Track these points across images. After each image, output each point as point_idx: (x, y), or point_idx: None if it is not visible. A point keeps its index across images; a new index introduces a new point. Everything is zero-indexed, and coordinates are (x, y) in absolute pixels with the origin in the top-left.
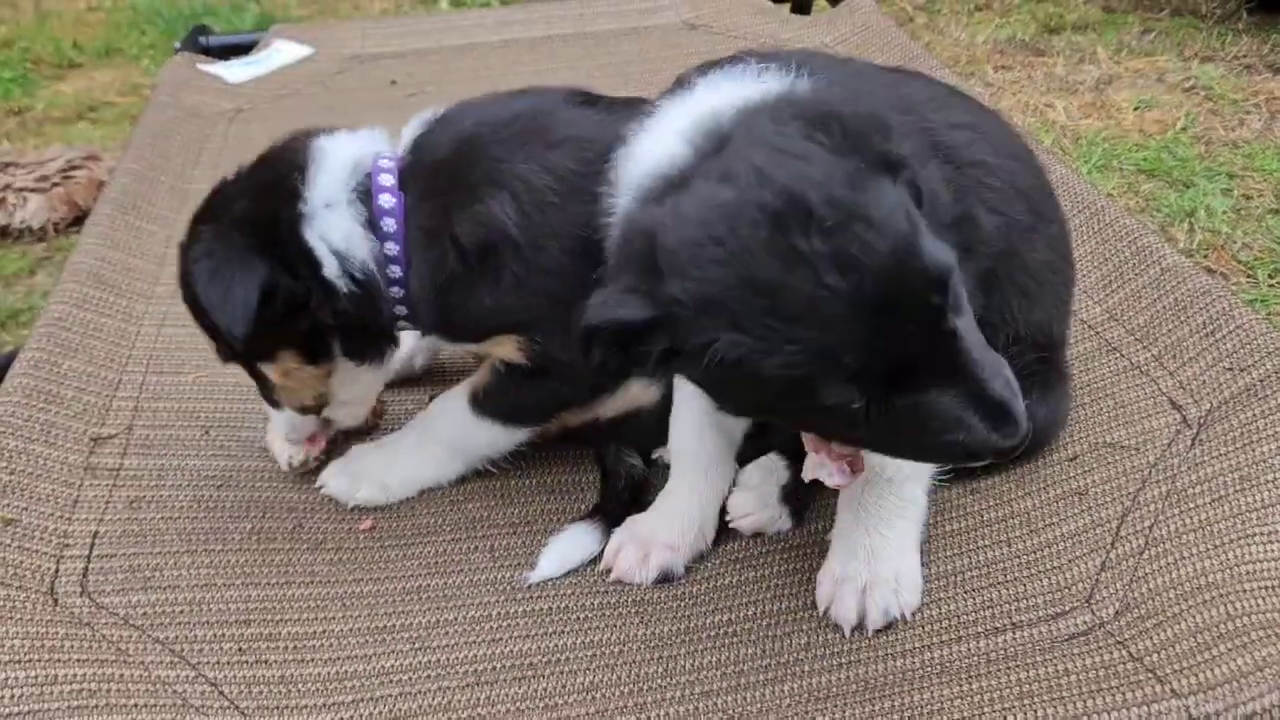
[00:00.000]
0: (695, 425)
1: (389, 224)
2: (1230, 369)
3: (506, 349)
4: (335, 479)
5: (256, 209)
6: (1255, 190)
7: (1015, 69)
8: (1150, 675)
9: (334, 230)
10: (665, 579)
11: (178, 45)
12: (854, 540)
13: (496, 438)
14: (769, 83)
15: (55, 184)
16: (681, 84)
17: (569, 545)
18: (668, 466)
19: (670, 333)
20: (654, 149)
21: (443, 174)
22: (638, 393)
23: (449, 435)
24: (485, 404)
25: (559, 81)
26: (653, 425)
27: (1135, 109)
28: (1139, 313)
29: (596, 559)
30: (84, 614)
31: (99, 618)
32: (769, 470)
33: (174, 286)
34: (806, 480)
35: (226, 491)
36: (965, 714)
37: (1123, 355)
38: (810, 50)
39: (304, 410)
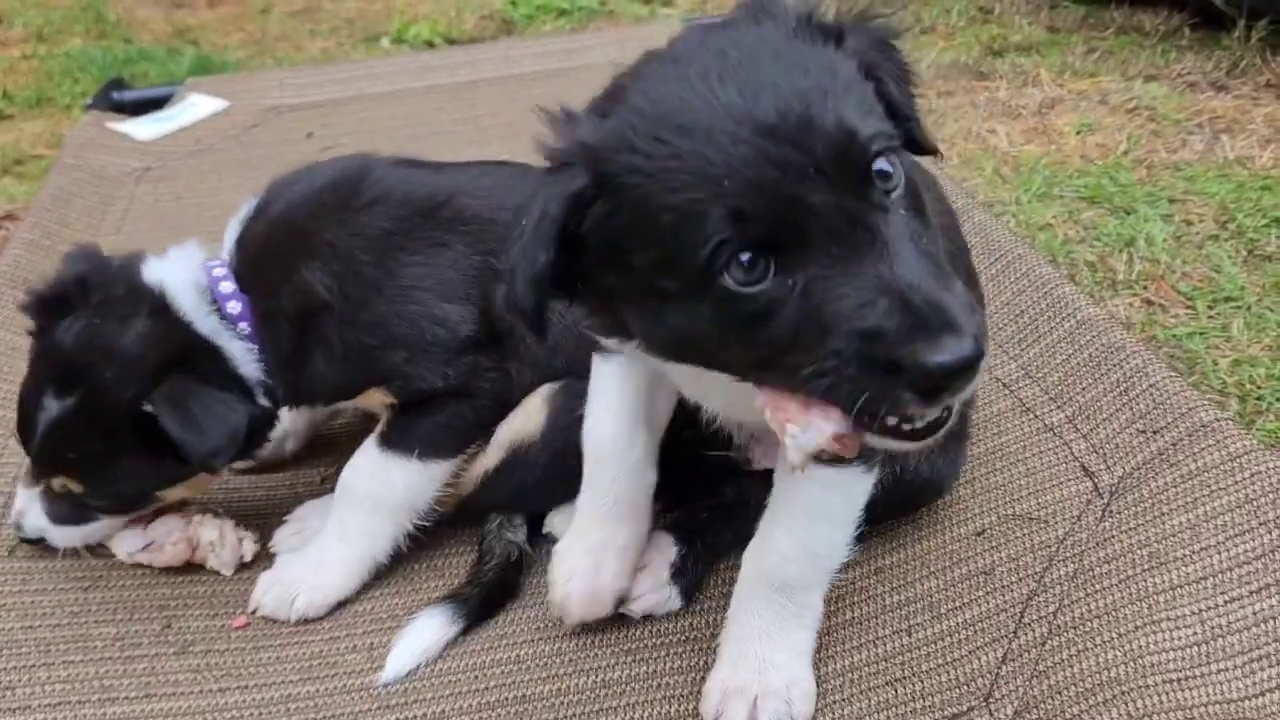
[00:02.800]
0: (621, 422)
1: (244, 327)
2: (1143, 431)
3: (375, 398)
4: (267, 596)
5: (172, 349)
6: (1196, 215)
7: (958, 94)
8: None
9: (231, 352)
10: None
11: (88, 102)
12: (745, 647)
13: (412, 479)
14: None
15: None
16: None
17: (417, 636)
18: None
19: (598, 188)
20: None
21: (261, 258)
22: (521, 423)
23: (366, 490)
24: (393, 440)
25: (484, 126)
26: (537, 477)
27: (1078, 133)
28: (1053, 369)
29: (477, 643)
30: None
31: None
32: (658, 548)
33: None
34: (795, 465)
35: (94, 592)
36: None
37: (1036, 416)
38: None
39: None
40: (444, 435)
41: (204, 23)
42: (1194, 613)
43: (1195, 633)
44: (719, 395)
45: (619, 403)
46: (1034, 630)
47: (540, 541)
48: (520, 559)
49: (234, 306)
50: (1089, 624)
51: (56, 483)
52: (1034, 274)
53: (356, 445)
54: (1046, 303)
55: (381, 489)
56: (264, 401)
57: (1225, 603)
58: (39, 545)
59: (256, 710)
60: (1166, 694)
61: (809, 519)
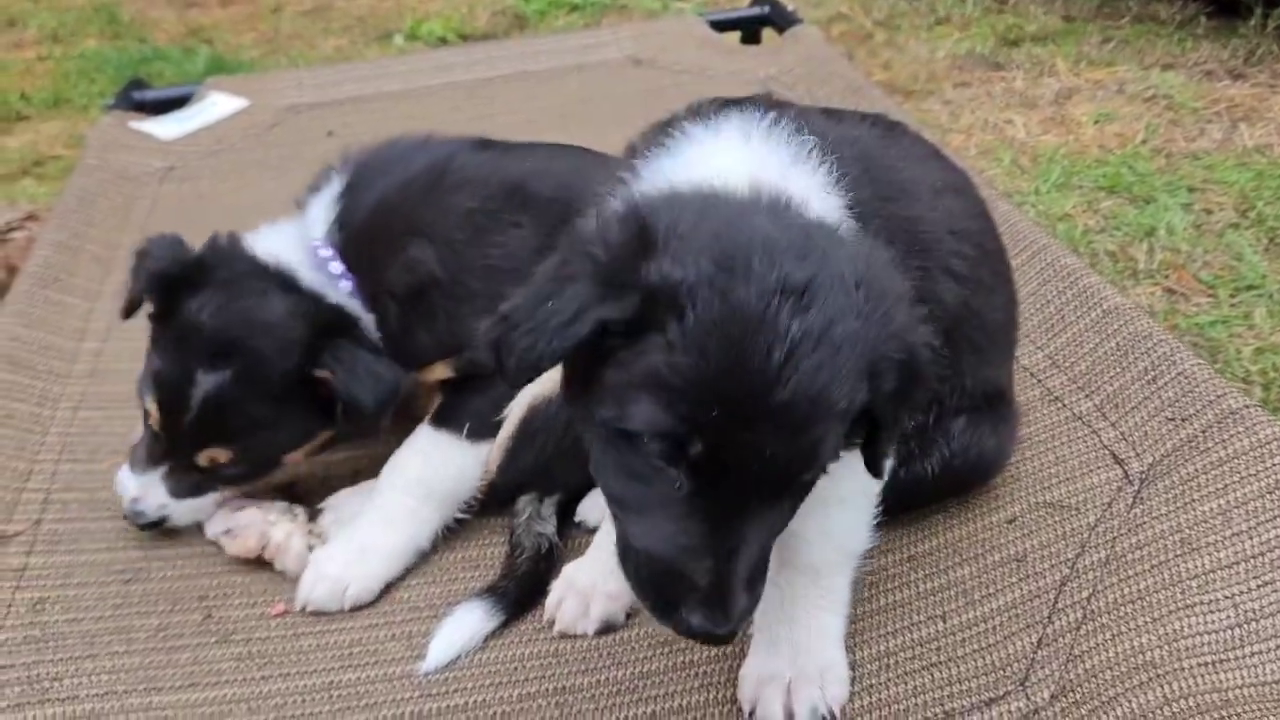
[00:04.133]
0: None
1: (346, 286)
2: (1172, 419)
3: (439, 371)
4: (316, 590)
5: (312, 315)
6: (1216, 204)
7: (974, 85)
8: None
9: (357, 311)
10: (608, 629)
11: (109, 102)
12: (776, 634)
13: (462, 460)
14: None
15: None
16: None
17: (457, 628)
18: (590, 530)
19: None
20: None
21: (367, 240)
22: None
23: (418, 474)
24: (446, 419)
25: (500, 124)
26: (558, 437)
27: (1095, 122)
28: (1081, 358)
29: (516, 635)
30: None
31: None
32: None
33: (92, 365)
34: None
35: (135, 585)
36: None
37: (1064, 405)
38: (805, 109)
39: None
40: (491, 413)
41: (217, 22)
42: (1227, 597)
43: (1229, 617)
44: None
45: None
46: (1068, 616)
47: (570, 532)
48: (551, 550)
49: (345, 285)
50: (1123, 609)
51: (203, 456)
52: (1059, 264)
53: (385, 438)
54: (1072, 292)
55: (432, 472)
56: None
57: (1258, 587)
58: (156, 528)
59: (299, 697)
60: (1202, 676)
61: (826, 504)
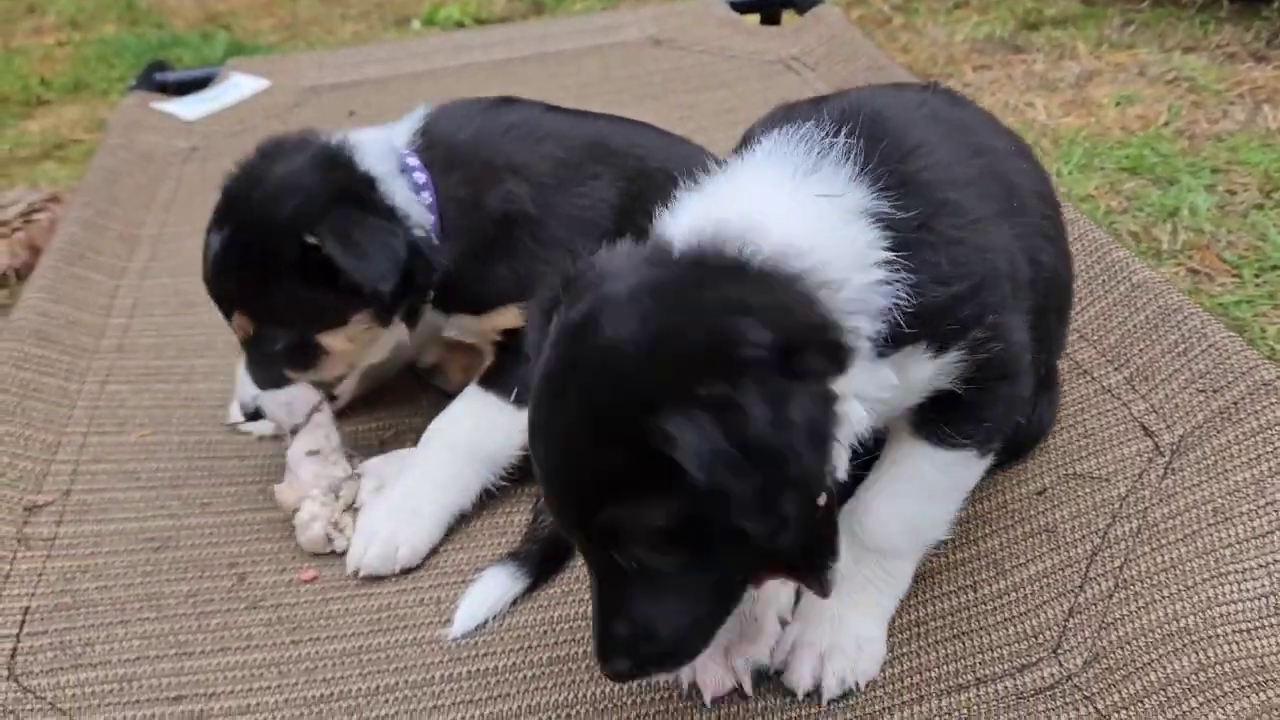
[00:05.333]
0: None
1: (426, 197)
2: (1203, 390)
3: (508, 317)
4: (369, 555)
5: (335, 182)
6: (1240, 185)
7: (994, 68)
8: None
9: (399, 196)
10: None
11: (132, 83)
12: (825, 604)
13: (509, 424)
14: (809, 184)
15: (16, 229)
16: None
17: (483, 593)
18: None
19: None
20: (674, 221)
21: (463, 156)
22: None
23: (466, 436)
24: (495, 382)
25: None
26: None
27: (1117, 105)
28: (1109, 332)
29: (545, 599)
30: (8, 700)
31: (24, 704)
32: None
33: (119, 340)
34: None
35: (165, 553)
36: None
37: (1094, 378)
38: (891, 95)
39: (321, 385)
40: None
41: (234, 8)
42: (1261, 565)
43: (1263, 585)
44: None
45: None
46: (1100, 584)
47: None
48: None
49: (419, 176)
50: (1156, 577)
51: (236, 323)
52: (1087, 238)
53: (413, 408)
54: (1101, 267)
55: (481, 435)
56: (424, 252)
57: None
58: (259, 419)
59: (330, 661)
60: (1237, 643)
61: (916, 494)
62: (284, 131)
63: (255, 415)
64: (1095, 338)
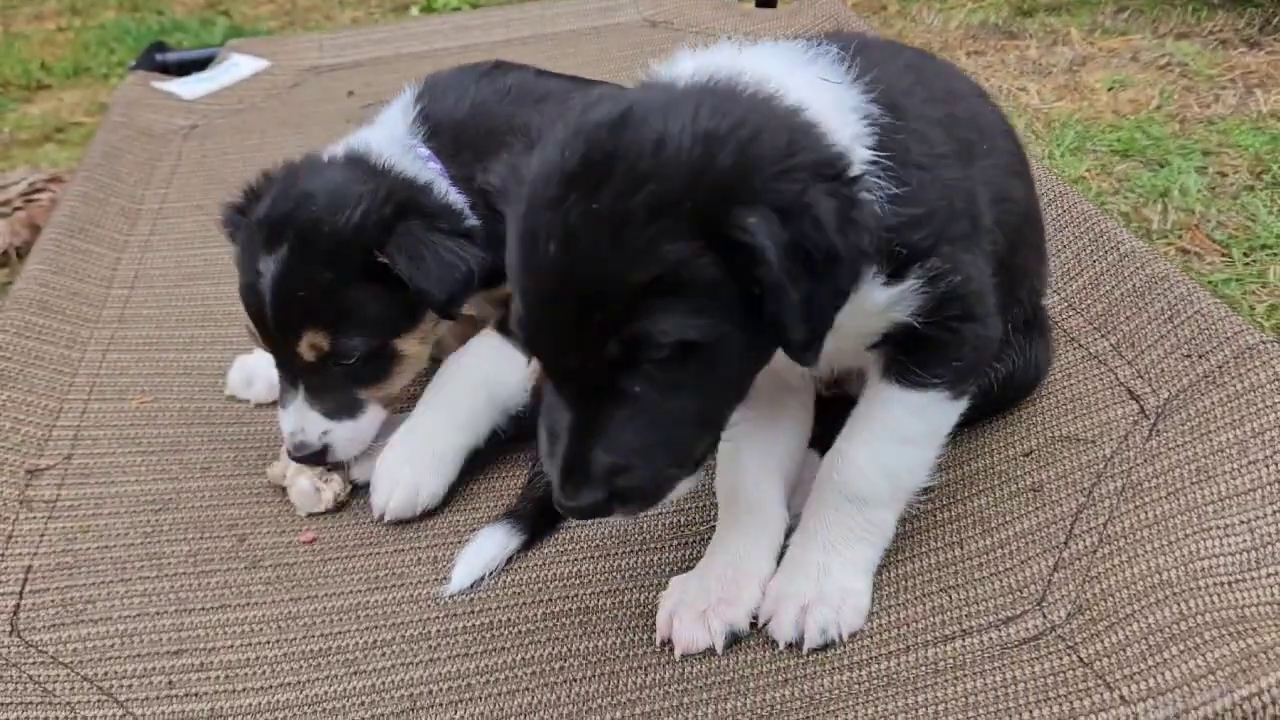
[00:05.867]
0: (753, 469)
1: (444, 187)
2: (1189, 355)
3: None
4: (392, 500)
5: (391, 193)
6: (1230, 167)
7: (988, 53)
8: (1100, 681)
9: (451, 194)
10: (733, 639)
11: (133, 63)
12: (809, 555)
13: (519, 368)
14: (806, 67)
15: (17, 208)
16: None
17: (479, 550)
18: None
19: None
20: (673, 68)
21: (467, 131)
22: None
23: (482, 377)
24: (508, 327)
25: None
26: None
27: (1109, 89)
28: (1097, 300)
29: (539, 558)
30: (11, 654)
31: (27, 657)
32: None
33: (120, 310)
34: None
35: (165, 515)
36: None
37: (1081, 345)
38: (872, 39)
39: (389, 403)
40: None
41: None
42: (1243, 522)
43: (1245, 540)
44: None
45: (752, 456)
46: (1084, 540)
47: None
48: None
49: (434, 166)
50: (1139, 533)
51: (306, 344)
52: (1075, 210)
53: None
54: (1089, 238)
55: (496, 376)
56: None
57: (1274, 513)
58: (321, 463)
59: (328, 618)
60: (1218, 595)
61: (892, 439)
62: (282, 112)
63: (319, 456)
64: (1083, 306)
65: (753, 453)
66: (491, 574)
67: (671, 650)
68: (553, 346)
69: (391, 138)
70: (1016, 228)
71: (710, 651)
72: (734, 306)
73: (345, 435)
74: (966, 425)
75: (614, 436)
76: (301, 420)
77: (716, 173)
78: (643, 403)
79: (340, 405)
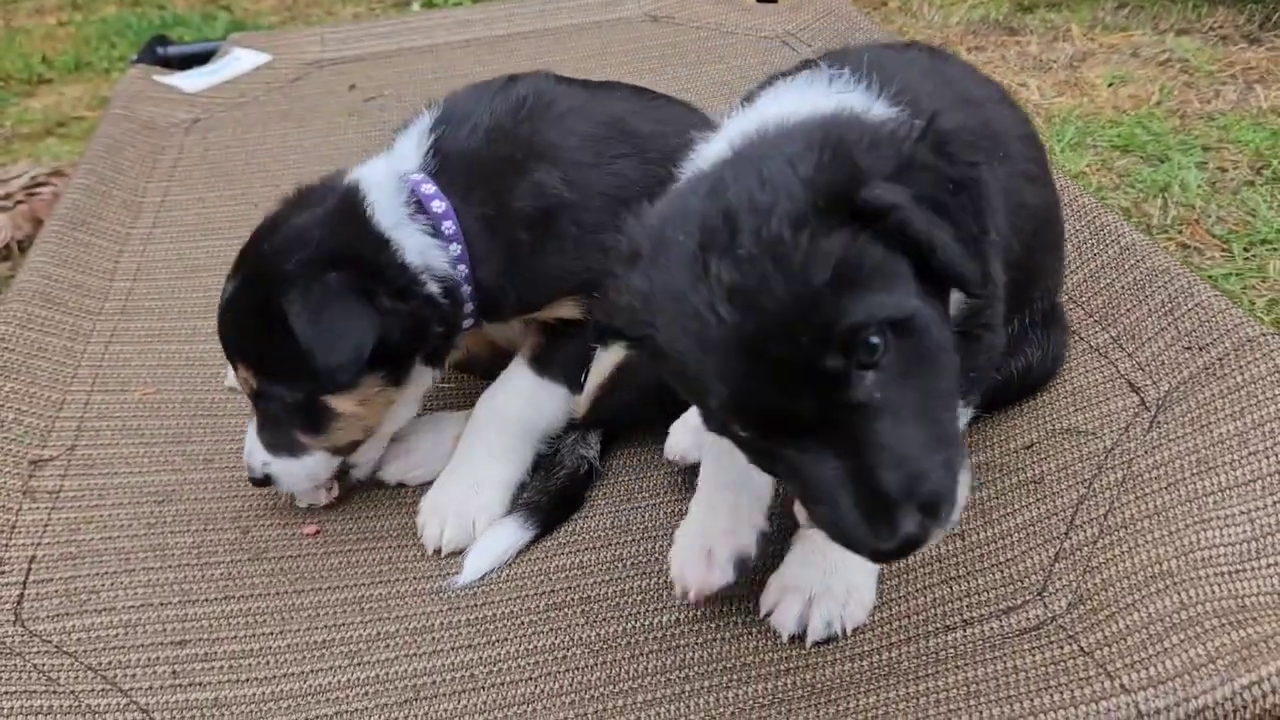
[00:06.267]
0: None
1: (449, 227)
2: (1189, 348)
3: (566, 309)
4: (447, 531)
5: (339, 242)
6: (1230, 162)
7: (989, 49)
8: (1100, 670)
9: (412, 248)
10: (743, 568)
11: (134, 57)
12: (813, 549)
13: (558, 404)
14: (831, 95)
15: (19, 201)
16: (749, 97)
17: (492, 541)
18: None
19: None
20: (707, 154)
21: (481, 164)
22: None
23: (519, 414)
24: (547, 365)
25: None
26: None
27: (1109, 85)
28: (1097, 294)
29: (542, 550)
30: (15, 643)
31: (31, 646)
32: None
33: (123, 303)
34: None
35: (168, 506)
36: (910, 717)
37: (1081, 338)
38: (880, 49)
39: (337, 452)
40: (584, 364)
41: None
42: (1243, 512)
43: (1245, 530)
44: None
45: None
46: (1085, 531)
47: (613, 454)
48: (590, 472)
49: (438, 205)
50: (1140, 524)
51: (241, 376)
52: (1076, 204)
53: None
54: (1090, 230)
55: (532, 413)
56: (443, 302)
57: (1274, 504)
58: (267, 486)
59: (331, 610)
60: (1218, 585)
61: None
62: (284, 105)
63: (264, 482)
64: (1083, 299)
65: None
66: (501, 565)
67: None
68: (774, 398)
69: (394, 177)
70: (1033, 232)
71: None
72: (910, 278)
73: (287, 470)
74: (978, 418)
75: (889, 451)
76: (250, 445)
77: (825, 172)
78: (888, 406)
79: (281, 442)
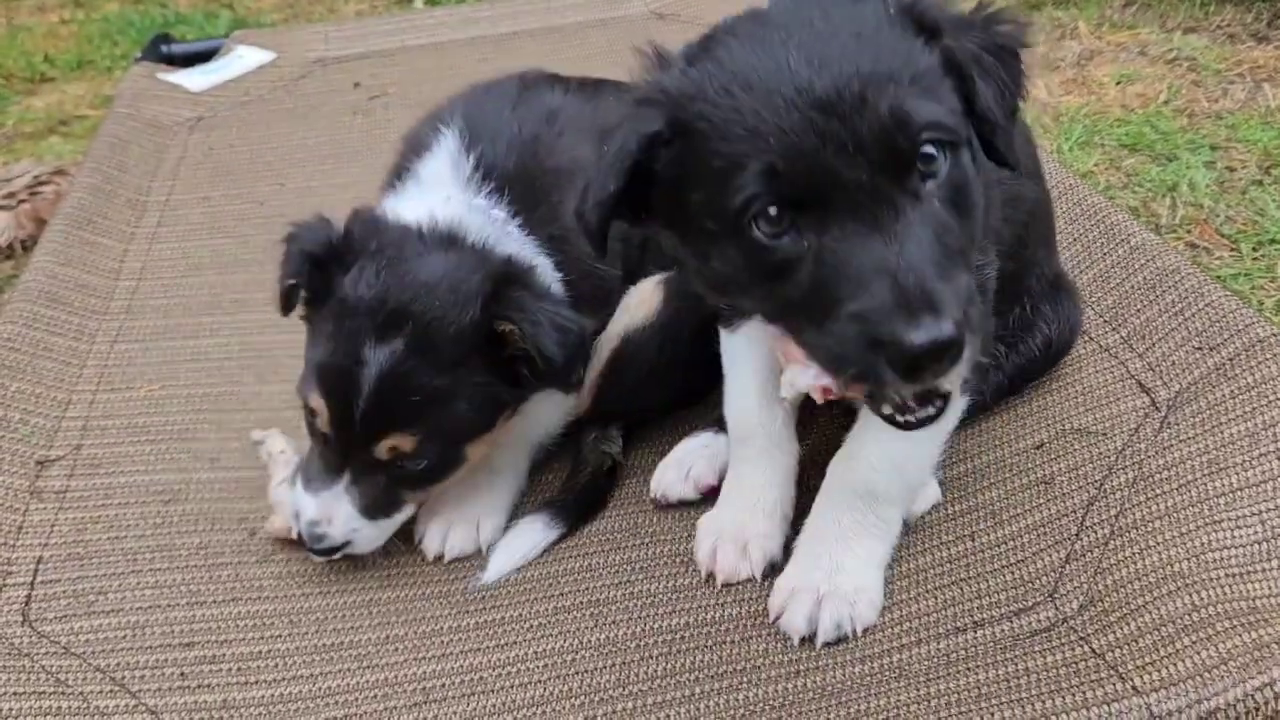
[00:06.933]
0: (757, 398)
1: (529, 251)
2: (1200, 348)
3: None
4: (451, 540)
5: (500, 275)
6: (1239, 161)
7: None
8: (1112, 672)
9: (544, 270)
10: (773, 569)
11: (138, 55)
12: (820, 550)
13: (556, 411)
14: None
15: (21, 200)
16: None
17: (518, 540)
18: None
19: (671, 131)
20: None
21: (530, 182)
22: (635, 310)
23: (517, 430)
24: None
25: None
26: (650, 366)
27: (1117, 83)
28: (1108, 293)
29: (551, 553)
30: (24, 644)
31: (39, 647)
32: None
33: (128, 301)
34: (786, 397)
35: (175, 506)
36: (922, 719)
37: (1091, 338)
38: None
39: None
40: (579, 366)
41: None
42: (1254, 514)
43: (1256, 532)
44: None
45: (754, 380)
46: (1096, 532)
47: (636, 450)
48: (614, 469)
49: (513, 230)
50: (1150, 525)
51: (385, 445)
52: (1085, 203)
53: None
54: (1099, 230)
55: (529, 426)
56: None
57: None
58: (328, 556)
59: (340, 613)
60: (1230, 586)
61: (900, 437)
62: (288, 103)
63: (333, 550)
64: (1094, 299)
65: (762, 386)
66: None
67: (713, 582)
68: (833, 163)
69: (455, 202)
70: (1024, 224)
71: (596, 587)
72: (961, 113)
73: (372, 535)
74: (1005, 401)
75: (935, 257)
76: (330, 511)
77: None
78: (938, 219)
79: (381, 503)
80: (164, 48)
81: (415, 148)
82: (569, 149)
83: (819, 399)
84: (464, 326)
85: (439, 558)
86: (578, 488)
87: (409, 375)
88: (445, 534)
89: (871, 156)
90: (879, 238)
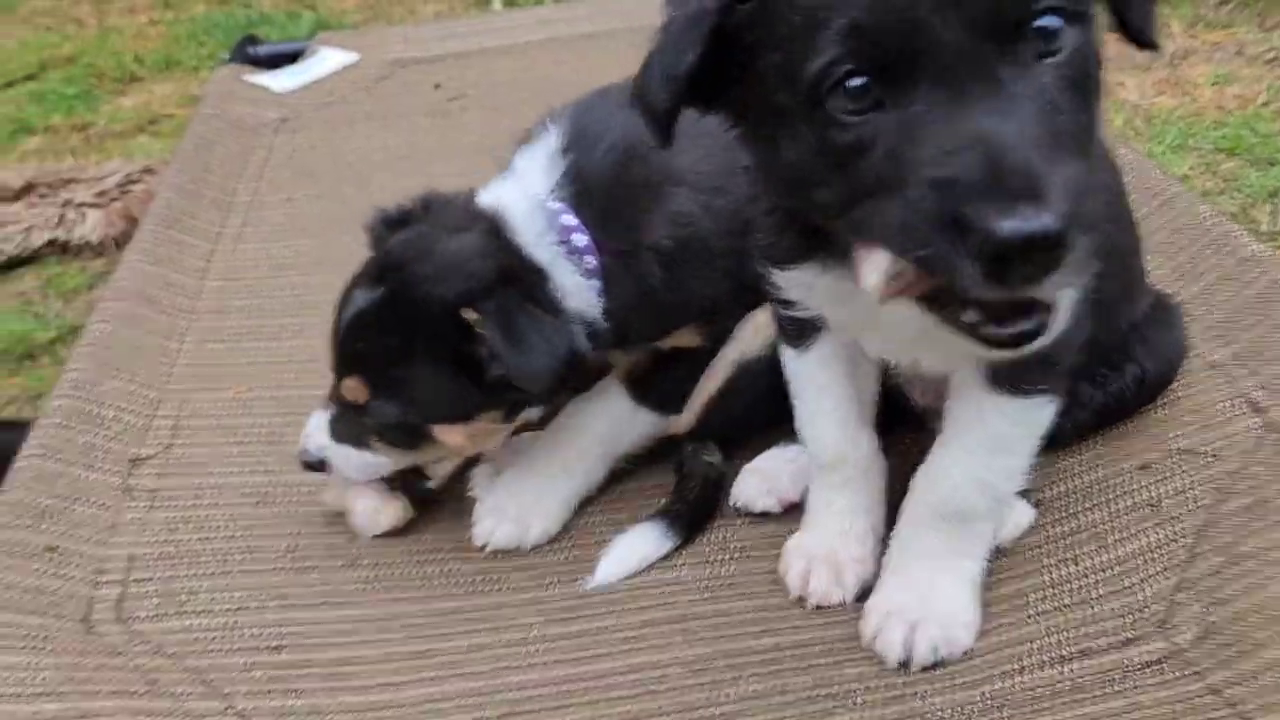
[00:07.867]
0: (838, 427)
1: (589, 262)
2: None
3: (685, 337)
4: (498, 533)
5: (505, 269)
6: None
7: None
8: (1231, 711)
9: (569, 289)
10: (865, 594)
11: (225, 56)
12: (911, 572)
13: (648, 429)
14: None
15: (113, 199)
16: None
17: (631, 546)
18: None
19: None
20: None
21: (617, 192)
22: (750, 339)
23: (607, 434)
24: (645, 388)
25: (605, 78)
26: (760, 394)
27: (1213, 84)
28: (1216, 307)
29: (662, 565)
30: (118, 642)
31: (132, 645)
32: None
33: (217, 301)
34: (868, 287)
35: (264, 508)
36: None
37: (1199, 354)
38: None
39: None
40: (686, 387)
41: None
42: None
43: None
44: (894, 340)
45: (831, 405)
46: (1210, 560)
47: (737, 460)
48: (720, 478)
49: (579, 239)
50: (1271, 554)
51: (348, 385)
52: (1191, 212)
53: None
54: (1206, 240)
55: (618, 434)
56: (582, 342)
57: None
58: (318, 470)
59: (427, 619)
60: None
61: (986, 451)
62: (368, 105)
63: (317, 466)
64: (1200, 313)
65: (842, 413)
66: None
67: (803, 604)
68: (930, 17)
69: (536, 205)
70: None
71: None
72: None
73: (341, 456)
74: (1093, 432)
75: (1042, 141)
76: (312, 429)
77: None
78: (1050, 99)
79: (350, 435)
80: (251, 49)
81: (522, 140)
82: (664, 160)
83: (887, 293)
84: (434, 300)
85: (483, 547)
86: (689, 498)
87: (372, 325)
88: (494, 527)
89: (977, 18)
90: (976, 109)
